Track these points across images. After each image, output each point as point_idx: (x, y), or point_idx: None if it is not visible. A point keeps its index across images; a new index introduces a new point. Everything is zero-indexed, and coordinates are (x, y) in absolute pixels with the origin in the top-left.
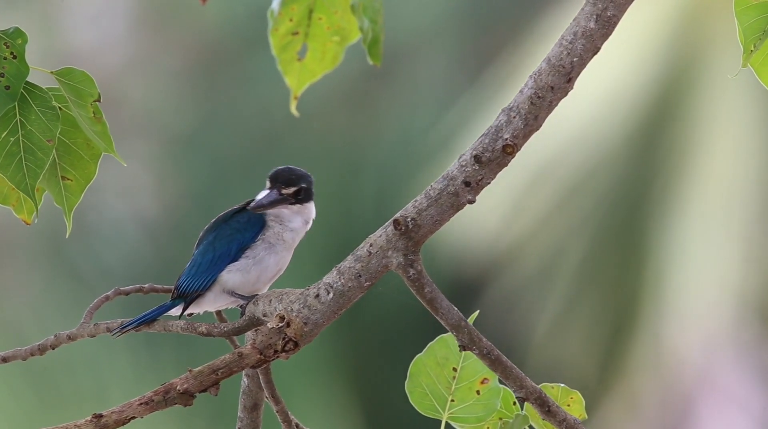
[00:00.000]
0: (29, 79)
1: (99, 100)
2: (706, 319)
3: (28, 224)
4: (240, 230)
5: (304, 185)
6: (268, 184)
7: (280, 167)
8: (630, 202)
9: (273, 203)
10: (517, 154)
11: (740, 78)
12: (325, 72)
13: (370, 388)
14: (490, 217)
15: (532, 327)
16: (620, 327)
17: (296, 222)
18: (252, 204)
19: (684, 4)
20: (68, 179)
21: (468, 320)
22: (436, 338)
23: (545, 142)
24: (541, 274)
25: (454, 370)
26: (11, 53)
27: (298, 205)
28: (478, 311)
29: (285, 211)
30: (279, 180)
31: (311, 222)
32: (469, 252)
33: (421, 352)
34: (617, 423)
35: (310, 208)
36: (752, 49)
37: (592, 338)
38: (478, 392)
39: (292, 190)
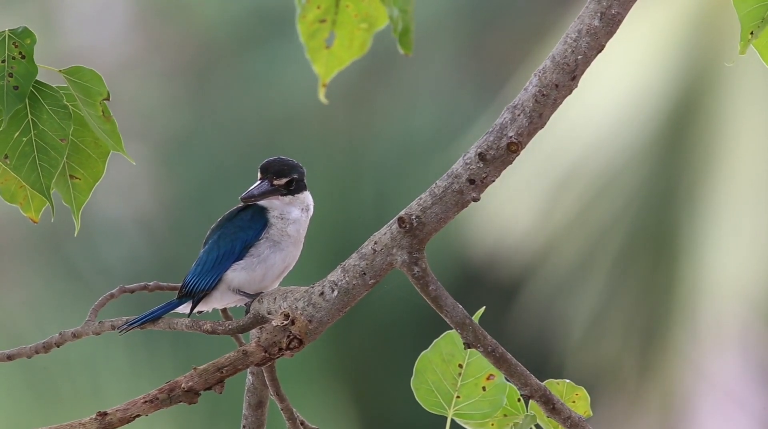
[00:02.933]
0: (38, 78)
1: (108, 99)
2: (730, 318)
3: (35, 223)
4: (243, 228)
5: (295, 176)
6: (259, 175)
7: (271, 158)
8: (658, 201)
9: (264, 194)
10: (545, 157)
11: (764, 74)
12: (353, 59)
13: (370, 385)
14: (523, 219)
15: (568, 329)
16: (655, 326)
17: (295, 213)
18: (243, 194)
19: (704, 4)
20: (77, 178)
21: (473, 318)
22: (442, 334)
23: (573, 145)
24: (574, 276)
25: (460, 366)
26: (20, 53)
27: (290, 196)
28: (484, 307)
29: (276, 202)
30: (270, 171)
31: (312, 209)
32: (502, 256)
33: (421, 349)
34: (654, 421)
35: (305, 198)
36: (750, 36)
37: (628, 338)
38: (483, 388)
39: (283, 181)
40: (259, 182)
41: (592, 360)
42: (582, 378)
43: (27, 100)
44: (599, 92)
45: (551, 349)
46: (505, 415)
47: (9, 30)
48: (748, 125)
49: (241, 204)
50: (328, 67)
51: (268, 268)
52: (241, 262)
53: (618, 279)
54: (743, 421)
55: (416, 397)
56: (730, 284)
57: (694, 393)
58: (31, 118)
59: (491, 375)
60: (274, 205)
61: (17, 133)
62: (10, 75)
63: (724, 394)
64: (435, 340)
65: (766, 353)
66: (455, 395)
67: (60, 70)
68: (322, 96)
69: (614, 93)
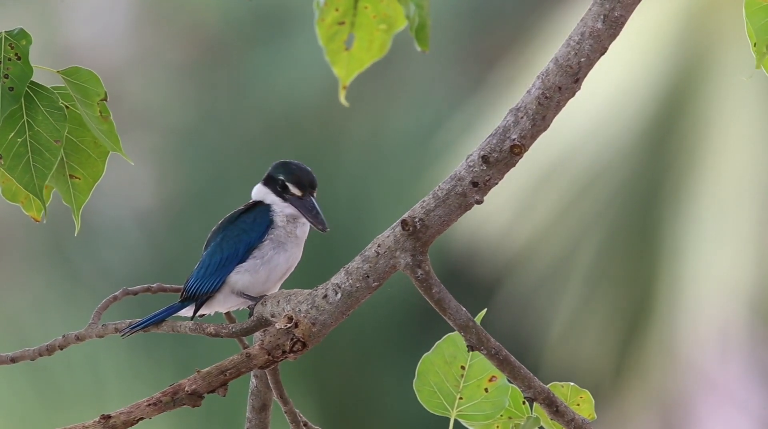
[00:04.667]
0: (35, 78)
1: (105, 99)
2: (712, 317)
3: (37, 222)
4: (246, 231)
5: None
6: (295, 190)
7: (299, 169)
8: (642, 199)
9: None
10: (528, 153)
11: (750, 72)
12: (373, 61)
13: (367, 388)
14: (502, 216)
15: (546, 326)
16: (634, 325)
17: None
18: (319, 225)
19: (693, 2)
20: (76, 178)
21: (476, 319)
22: (444, 336)
23: (556, 141)
24: (554, 273)
25: (462, 368)
26: (15, 54)
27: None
28: (486, 309)
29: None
30: (310, 185)
31: None
32: (482, 252)
33: (415, 349)
34: (632, 421)
35: None
36: (765, 50)
37: (607, 336)
38: (486, 390)
39: (316, 191)
40: (310, 200)
41: (570, 358)
42: (560, 376)
43: (23, 101)
44: (585, 89)
45: (529, 348)
46: (509, 417)
47: (5, 31)
48: (733, 124)
49: (242, 206)
50: (348, 69)
51: (271, 270)
52: (244, 264)
53: (599, 276)
54: (725, 416)
55: (419, 399)
56: (712, 280)
57: (674, 389)
58: (27, 119)
59: (494, 376)
60: (283, 207)
61: (12, 134)
62: (6, 76)
63: (705, 389)
64: (437, 342)
65: (748, 348)
66: (458, 397)
67: (58, 71)
68: (342, 98)
69: (600, 90)
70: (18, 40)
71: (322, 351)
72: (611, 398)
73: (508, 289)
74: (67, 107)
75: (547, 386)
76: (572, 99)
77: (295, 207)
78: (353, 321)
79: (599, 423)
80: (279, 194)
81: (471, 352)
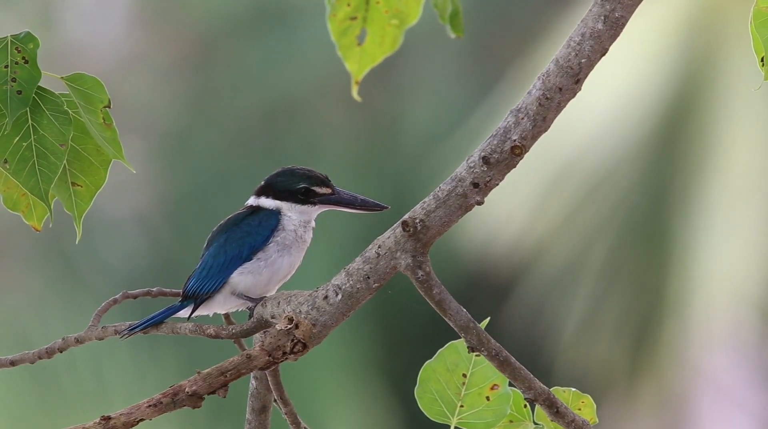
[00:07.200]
0: (39, 83)
1: (109, 106)
2: (722, 319)
3: (38, 231)
4: (251, 234)
5: None
6: (324, 189)
7: (308, 170)
8: (650, 201)
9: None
10: (538, 155)
11: (757, 77)
12: (385, 55)
13: (396, 387)
14: (514, 219)
15: (559, 328)
16: (645, 326)
17: (312, 222)
18: (373, 208)
19: (700, 4)
20: (78, 185)
21: (480, 325)
22: (446, 344)
23: (566, 143)
24: (565, 276)
25: (464, 376)
26: (23, 58)
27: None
28: (489, 318)
29: (298, 213)
30: (328, 179)
31: None
32: (495, 255)
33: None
34: (644, 421)
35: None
36: None
37: (619, 338)
38: (487, 398)
39: None
40: (343, 192)
41: (583, 359)
42: (572, 378)
43: None
44: (594, 91)
45: (542, 350)
46: (511, 421)
47: (11, 36)
48: (741, 125)
49: (244, 208)
50: (360, 64)
51: (274, 272)
52: (247, 265)
53: (610, 278)
54: (736, 418)
55: (420, 406)
56: (722, 282)
57: (686, 391)
58: (32, 123)
59: (495, 385)
60: (299, 214)
61: (17, 138)
62: (13, 80)
63: (717, 391)
64: (439, 350)
65: (759, 350)
66: (459, 404)
67: (62, 77)
68: (355, 93)
69: (609, 92)
70: (25, 43)
71: (384, 343)
72: (623, 399)
73: (521, 291)
74: (70, 114)
75: (549, 389)
76: (580, 102)
77: (336, 204)
78: (413, 310)
79: (611, 422)
80: (305, 202)
81: (473, 360)
